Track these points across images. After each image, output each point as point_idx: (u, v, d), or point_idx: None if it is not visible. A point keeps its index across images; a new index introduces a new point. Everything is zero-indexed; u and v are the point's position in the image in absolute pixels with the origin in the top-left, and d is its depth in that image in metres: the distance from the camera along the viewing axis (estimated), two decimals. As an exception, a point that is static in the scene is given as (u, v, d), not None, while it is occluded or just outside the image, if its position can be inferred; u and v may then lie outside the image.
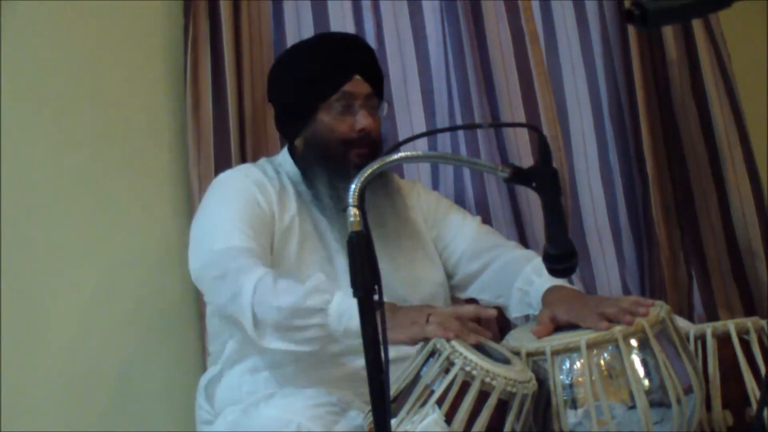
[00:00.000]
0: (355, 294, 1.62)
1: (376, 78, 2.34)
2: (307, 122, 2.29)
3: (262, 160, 2.40)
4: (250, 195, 2.24)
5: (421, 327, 1.93)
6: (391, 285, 2.05)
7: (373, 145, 2.28)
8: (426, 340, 1.92)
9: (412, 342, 1.94)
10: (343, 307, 1.96)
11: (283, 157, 2.36)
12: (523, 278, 2.27)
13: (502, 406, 1.84)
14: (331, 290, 2.01)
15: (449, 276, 2.42)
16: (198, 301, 2.59)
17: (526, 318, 2.29)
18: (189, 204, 2.61)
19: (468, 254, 2.39)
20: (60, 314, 2.56)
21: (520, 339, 2.03)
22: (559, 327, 2.04)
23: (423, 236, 2.40)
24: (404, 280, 2.27)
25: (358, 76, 2.28)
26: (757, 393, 2.11)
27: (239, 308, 2.05)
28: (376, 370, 1.59)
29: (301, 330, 2.02)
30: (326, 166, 2.26)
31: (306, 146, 2.31)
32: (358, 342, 1.69)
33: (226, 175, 2.34)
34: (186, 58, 2.62)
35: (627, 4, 1.47)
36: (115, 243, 2.61)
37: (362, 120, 2.26)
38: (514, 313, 2.32)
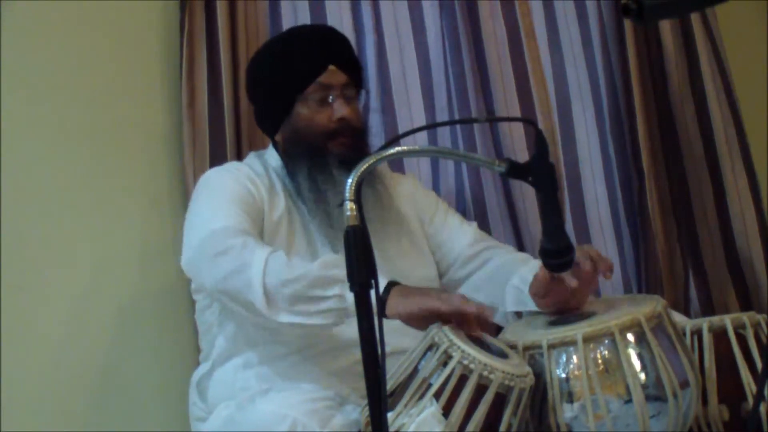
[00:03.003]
0: (351, 288, 1.63)
1: (353, 67, 2.33)
2: (285, 117, 2.29)
3: (251, 156, 2.40)
4: (242, 185, 2.23)
5: (432, 300, 1.91)
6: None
7: (355, 133, 2.27)
8: (433, 315, 1.91)
9: (419, 311, 1.93)
10: None
11: (270, 153, 2.36)
12: (519, 277, 2.27)
13: (500, 400, 1.85)
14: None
15: (439, 275, 2.41)
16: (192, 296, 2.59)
17: (518, 315, 2.30)
18: (184, 199, 2.60)
19: (462, 258, 2.39)
20: (54, 309, 2.56)
21: (517, 332, 2.03)
22: (555, 320, 2.05)
23: (413, 229, 2.39)
24: (391, 272, 2.26)
25: (333, 66, 2.27)
26: (753, 388, 2.11)
27: (245, 281, 1.98)
28: (373, 364, 1.59)
29: (318, 301, 1.96)
30: (307, 158, 2.25)
31: (286, 141, 2.30)
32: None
33: (213, 171, 2.33)
34: (182, 53, 2.62)
35: (624, -2, 1.46)
36: (109, 238, 2.61)
37: (340, 109, 2.25)
38: (508, 308, 2.32)
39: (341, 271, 1.87)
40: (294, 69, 2.27)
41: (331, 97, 2.26)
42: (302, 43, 2.32)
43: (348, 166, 2.10)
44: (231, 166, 2.35)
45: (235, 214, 2.14)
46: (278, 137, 2.33)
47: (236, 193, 2.20)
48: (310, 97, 2.26)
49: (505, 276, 2.30)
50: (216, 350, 2.26)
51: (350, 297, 1.86)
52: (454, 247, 2.40)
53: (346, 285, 1.79)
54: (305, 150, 2.25)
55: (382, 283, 1.95)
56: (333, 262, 1.97)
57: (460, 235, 2.41)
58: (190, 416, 2.33)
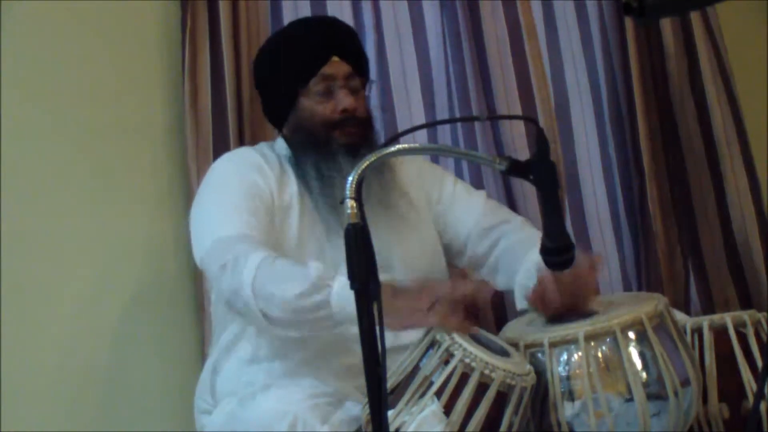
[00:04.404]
0: (352, 286, 1.62)
1: (357, 58, 2.32)
2: (290, 109, 2.29)
3: (262, 144, 2.39)
4: (247, 178, 2.23)
5: (422, 316, 1.92)
6: (387, 259, 2.05)
7: (360, 123, 2.27)
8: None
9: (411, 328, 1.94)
10: (344, 296, 1.93)
11: (279, 144, 2.36)
12: (523, 272, 2.26)
13: (501, 399, 1.85)
14: (330, 278, 1.98)
15: (459, 254, 2.40)
16: (196, 293, 2.59)
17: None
18: (187, 196, 2.61)
19: (475, 233, 2.38)
20: (58, 308, 2.56)
21: (518, 330, 2.03)
22: (556, 319, 2.05)
23: (422, 216, 2.37)
24: (399, 254, 2.26)
25: (336, 58, 2.26)
26: (754, 386, 2.12)
27: (244, 304, 2.04)
28: (374, 361, 1.59)
29: (309, 323, 2.02)
30: (312, 150, 2.25)
31: (292, 133, 2.30)
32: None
33: (222, 161, 2.34)
34: (184, 52, 2.62)
35: (625, -4, 1.46)
36: (112, 236, 2.61)
37: (343, 100, 2.24)
38: (519, 305, 2.32)
39: (324, 291, 1.96)
40: (296, 62, 2.27)
41: (335, 88, 2.26)
42: (303, 36, 2.31)
43: (354, 153, 2.15)
44: (240, 155, 2.34)
45: (236, 217, 2.16)
46: (285, 129, 2.33)
47: (242, 190, 2.21)
48: (313, 89, 2.26)
49: (512, 266, 2.30)
50: (226, 340, 2.26)
51: (336, 315, 1.96)
52: (466, 224, 2.39)
53: (330, 305, 1.94)
54: (310, 141, 2.25)
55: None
56: (317, 282, 1.99)
57: (469, 209, 2.40)
58: (195, 409, 2.33)
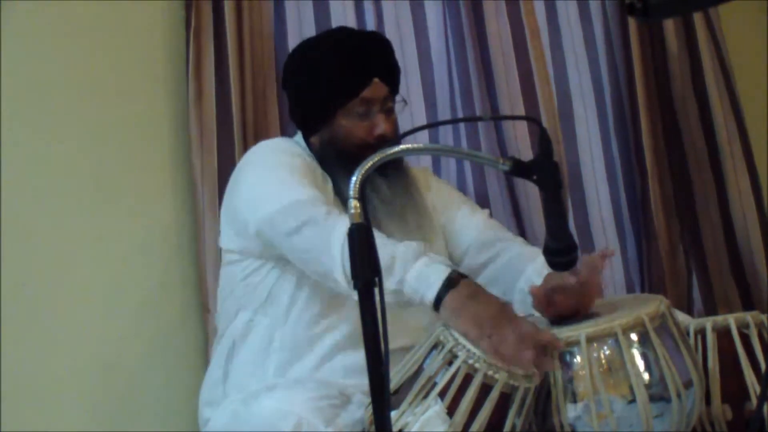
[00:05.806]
0: (355, 285, 1.62)
1: (394, 75, 2.34)
2: (324, 124, 2.29)
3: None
4: (299, 156, 2.26)
5: (516, 349, 1.88)
6: None
7: (391, 144, 2.27)
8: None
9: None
10: (421, 278, 1.94)
11: (300, 143, 2.36)
12: (524, 279, 2.28)
13: (504, 400, 1.85)
14: (416, 256, 1.97)
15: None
16: (200, 293, 2.59)
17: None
18: (192, 195, 2.61)
19: (474, 247, 2.39)
20: (59, 308, 2.56)
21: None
22: (559, 321, 2.04)
23: (436, 228, 2.39)
24: None
25: (376, 79, 2.28)
26: (757, 387, 2.12)
27: (329, 259, 2.01)
28: (377, 362, 1.58)
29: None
30: (345, 165, 2.24)
31: (324, 145, 2.30)
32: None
33: (264, 143, 2.35)
34: (188, 51, 2.62)
35: (628, -4, 1.46)
36: (115, 235, 2.61)
37: (381, 125, 2.27)
38: (517, 311, 2.32)
39: (403, 266, 1.95)
40: (339, 82, 2.27)
41: (373, 112, 2.27)
42: (349, 55, 2.30)
43: (384, 173, 2.21)
44: (283, 140, 2.36)
45: (306, 182, 2.16)
46: (314, 139, 2.33)
47: (298, 162, 2.23)
48: (352, 110, 2.26)
49: (512, 276, 2.31)
50: (238, 327, 2.25)
51: (408, 293, 1.94)
52: (466, 236, 2.40)
53: (404, 282, 1.93)
54: (343, 157, 2.25)
55: (444, 273, 1.95)
56: (402, 256, 1.97)
57: (470, 223, 2.42)
58: (199, 401, 2.32)
